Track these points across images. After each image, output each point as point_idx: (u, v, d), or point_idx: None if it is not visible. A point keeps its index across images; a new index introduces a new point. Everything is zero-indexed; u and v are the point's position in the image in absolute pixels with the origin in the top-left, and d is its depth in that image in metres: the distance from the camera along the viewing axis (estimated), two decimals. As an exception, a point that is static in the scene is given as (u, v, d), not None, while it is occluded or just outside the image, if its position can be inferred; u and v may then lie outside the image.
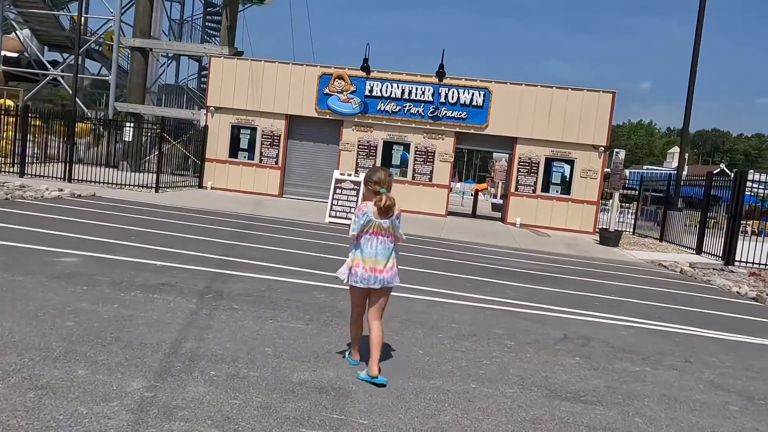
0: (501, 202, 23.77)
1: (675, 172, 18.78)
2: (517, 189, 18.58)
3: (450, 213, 20.24)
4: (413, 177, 18.83)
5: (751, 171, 17.01)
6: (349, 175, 14.41)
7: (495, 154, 34.99)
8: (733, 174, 13.75)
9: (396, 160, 19.01)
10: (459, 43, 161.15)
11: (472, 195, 54.63)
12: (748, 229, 19.31)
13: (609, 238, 15.54)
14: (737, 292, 9.54)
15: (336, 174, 14.40)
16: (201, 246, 8.42)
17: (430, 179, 18.79)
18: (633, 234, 20.27)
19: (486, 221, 19.50)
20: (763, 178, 14.73)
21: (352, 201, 14.08)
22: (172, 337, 4.24)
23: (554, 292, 7.83)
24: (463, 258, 10.37)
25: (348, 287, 4.06)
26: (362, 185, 4.13)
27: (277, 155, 19.42)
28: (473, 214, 21.27)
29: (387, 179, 3.99)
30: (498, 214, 22.26)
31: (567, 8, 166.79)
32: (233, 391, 3.40)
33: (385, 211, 3.92)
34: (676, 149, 75.87)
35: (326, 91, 18.89)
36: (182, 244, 8.44)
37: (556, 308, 6.68)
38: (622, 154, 15.72)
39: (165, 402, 3.16)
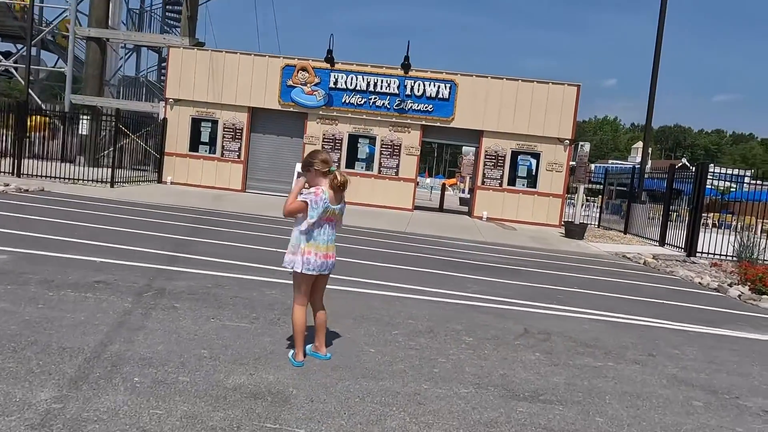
0: (468, 196, 23.67)
1: (639, 165, 18.93)
2: (483, 183, 18.46)
3: (417, 207, 20.03)
4: (379, 171, 18.54)
5: (711, 164, 17.20)
6: (312, 168, 14.02)
7: (464, 149, 34.95)
8: (694, 167, 13.83)
9: (362, 153, 18.69)
10: (425, 38, 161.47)
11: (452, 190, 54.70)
12: (709, 221, 19.58)
13: (574, 230, 15.53)
14: (699, 282, 9.53)
15: (298, 167, 13.93)
16: (149, 242, 7.97)
17: (397, 173, 18.52)
18: (598, 227, 20.37)
19: (453, 215, 19.35)
20: (722, 171, 14.91)
21: (315, 195, 13.68)
22: (97, 340, 3.86)
23: (517, 285, 7.64)
24: (427, 252, 10.13)
25: (292, 277, 3.87)
26: (305, 171, 3.85)
27: (240, 149, 18.89)
28: (440, 209, 21.12)
29: (332, 160, 3.81)
30: (465, 208, 22.16)
31: (534, 3, 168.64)
32: (156, 400, 3.06)
33: (342, 187, 3.79)
34: (640, 144, 77.41)
35: (290, 83, 18.43)
36: (129, 240, 7.97)
37: (518, 302, 6.47)
38: (587, 147, 15.72)
39: (74, 414, 2.80)
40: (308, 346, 4.02)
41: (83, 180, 16.15)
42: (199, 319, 4.59)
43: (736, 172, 17.12)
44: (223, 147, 18.92)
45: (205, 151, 19.04)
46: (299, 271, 3.80)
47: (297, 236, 3.84)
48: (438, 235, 13.20)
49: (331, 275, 4.04)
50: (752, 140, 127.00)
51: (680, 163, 70.10)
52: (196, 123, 19.00)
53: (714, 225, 19.82)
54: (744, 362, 4.98)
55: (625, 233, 17.97)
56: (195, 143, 19.04)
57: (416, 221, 15.71)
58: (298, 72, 18.35)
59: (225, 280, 6.06)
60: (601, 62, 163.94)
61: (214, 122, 18.92)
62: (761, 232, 21.80)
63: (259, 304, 5.21)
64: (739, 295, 8.46)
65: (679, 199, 18.27)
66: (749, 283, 8.80)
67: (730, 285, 9.07)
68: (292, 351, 3.91)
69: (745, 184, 18.85)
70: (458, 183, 52.92)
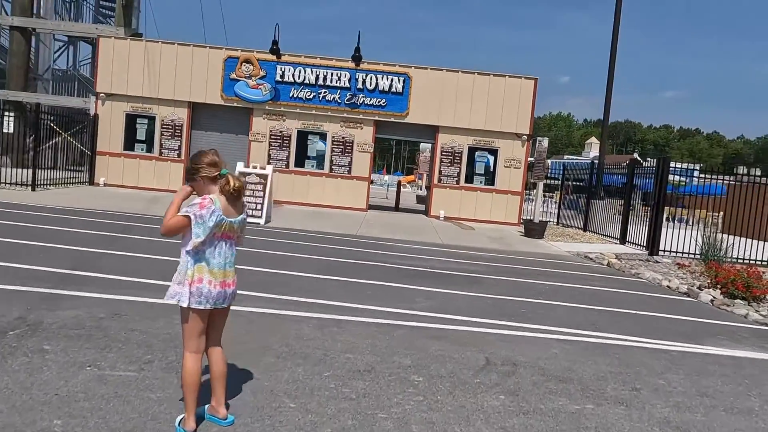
0: (425, 194, 22.90)
1: (596, 160, 18.55)
2: (440, 180, 17.69)
3: (372, 207, 19.12)
4: (331, 169, 17.53)
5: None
6: (255, 167, 12.93)
7: (422, 145, 34.24)
8: (655, 161, 13.42)
9: (312, 151, 17.63)
10: (378, 35, 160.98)
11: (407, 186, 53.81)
12: (663, 216, 19.29)
13: (534, 229, 14.92)
14: (668, 286, 8.95)
15: (239, 167, 12.87)
16: (47, 257, 6.78)
17: (349, 171, 17.55)
18: (557, 224, 19.93)
19: (409, 215, 18.53)
20: (679, 166, 14.57)
21: (258, 197, 12.61)
22: None
23: (477, 297, 6.81)
24: (378, 259, 9.22)
25: (180, 314, 2.92)
26: (190, 180, 2.92)
27: (180, 147, 17.54)
28: (396, 208, 20.26)
29: (222, 161, 2.87)
30: (423, 207, 21.38)
31: (486, 1, 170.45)
32: None
33: (237, 194, 2.90)
34: (593, 139, 78.66)
35: (233, 76, 17.20)
36: (22, 255, 6.76)
37: (477, 320, 5.63)
38: (545, 142, 15.12)
39: None
40: (205, 407, 3.05)
41: (2, 183, 14.58)
42: (70, 367, 3.54)
43: (690, 166, 16.89)
44: (161, 145, 17.53)
45: (142, 149, 17.60)
46: (187, 306, 2.84)
47: (184, 260, 2.89)
48: (392, 237, 12.32)
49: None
50: (698, 135, 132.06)
51: (632, 157, 71.59)
52: (131, 119, 17.54)
53: (667, 219, 19.61)
54: (739, 393, 4.26)
55: (584, 230, 17.53)
56: (130, 141, 17.59)
57: (370, 222, 14.80)
58: (241, 64, 17.13)
59: (125, 306, 4.99)
60: (555, 60, 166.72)
61: (151, 118, 17.51)
62: (712, 225, 21.85)
63: (158, 340, 4.18)
64: (712, 300, 7.88)
65: (633, 194, 17.99)
66: (720, 287, 8.25)
67: (700, 288, 8.51)
68: (182, 415, 2.93)
69: (697, 178, 18.72)
70: (416, 180, 52.34)
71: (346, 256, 9.19)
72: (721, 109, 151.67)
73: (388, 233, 12.93)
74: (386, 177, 67.93)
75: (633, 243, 14.22)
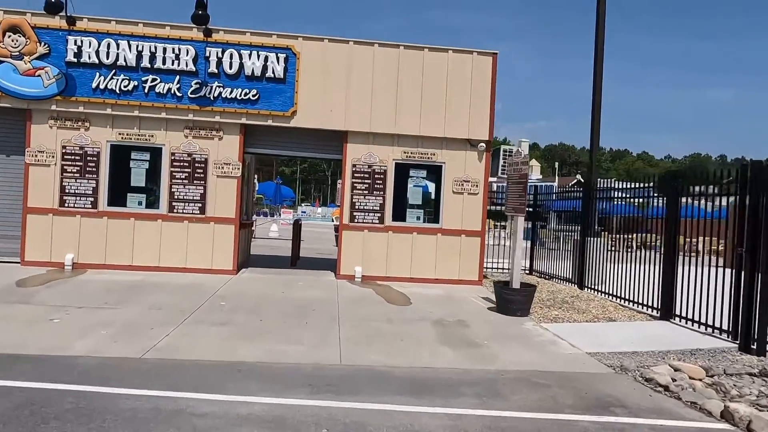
0: (343, 234, 15.89)
1: (541, 183, 12.54)
2: (353, 218, 11.05)
3: (256, 262, 12.26)
4: (171, 207, 10.57)
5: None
6: None
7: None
8: (735, 170, 7.23)
9: (137, 179, 10.62)
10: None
11: (333, 219, 46.30)
12: (633, 244, 12.82)
13: (514, 300, 8.47)
14: None
15: None
16: None
17: (203, 209, 10.64)
18: (530, 273, 13.66)
19: (307, 275, 11.66)
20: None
21: None
22: None
23: None
24: None
25: None
26: None
27: None
28: (293, 264, 13.20)
29: None
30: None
31: (408, 33, 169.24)
32: None
33: None
34: (534, 162, 75.26)
35: (-10, 54, 10.09)
36: None
37: None
38: (525, 147, 8.82)
39: None
40: None
41: None
42: None
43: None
44: None
45: None
46: None
47: None
48: (227, 360, 5.44)
49: None
50: (628, 155, 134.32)
51: (575, 180, 67.92)
52: None
53: (640, 247, 13.04)
54: None
55: (580, 287, 11.28)
56: None
57: (217, 305, 7.90)
58: (4, 35, 10.06)
59: None
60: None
61: None
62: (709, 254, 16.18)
63: None
64: None
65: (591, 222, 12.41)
66: None
67: None
68: None
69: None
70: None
71: None
72: (641, 131, 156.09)
73: (230, 339, 6.06)
74: (319, 210, 60.11)
75: (689, 320, 8.00)
